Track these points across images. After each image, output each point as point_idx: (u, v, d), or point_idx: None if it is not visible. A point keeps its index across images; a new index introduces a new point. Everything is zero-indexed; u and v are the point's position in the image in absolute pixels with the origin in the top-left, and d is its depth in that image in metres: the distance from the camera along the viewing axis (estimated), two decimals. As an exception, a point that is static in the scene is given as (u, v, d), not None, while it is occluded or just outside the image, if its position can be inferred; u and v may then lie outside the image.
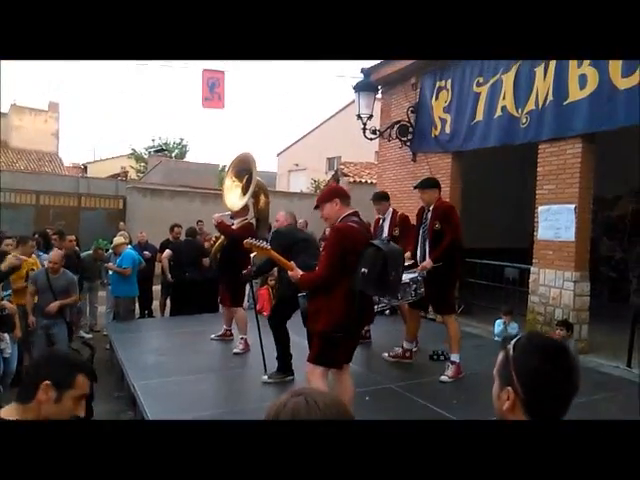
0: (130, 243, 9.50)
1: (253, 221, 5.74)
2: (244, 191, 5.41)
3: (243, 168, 5.47)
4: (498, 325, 6.81)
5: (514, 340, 1.38)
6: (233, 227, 5.79)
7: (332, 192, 3.67)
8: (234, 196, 5.55)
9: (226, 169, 5.70)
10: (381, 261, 3.26)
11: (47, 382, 1.67)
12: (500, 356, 1.38)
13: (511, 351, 1.34)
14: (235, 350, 5.82)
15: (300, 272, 3.51)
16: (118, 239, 7.90)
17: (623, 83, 5.78)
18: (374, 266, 3.25)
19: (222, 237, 6.09)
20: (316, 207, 3.68)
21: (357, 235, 3.39)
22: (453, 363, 5.03)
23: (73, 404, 1.72)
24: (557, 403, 1.31)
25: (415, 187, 5.49)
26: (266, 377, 4.78)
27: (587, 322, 6.59)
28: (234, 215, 5.84)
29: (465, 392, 4.64)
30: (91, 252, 8.42)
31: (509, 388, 1.31)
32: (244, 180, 5.42)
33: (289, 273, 3.57)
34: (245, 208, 5.69)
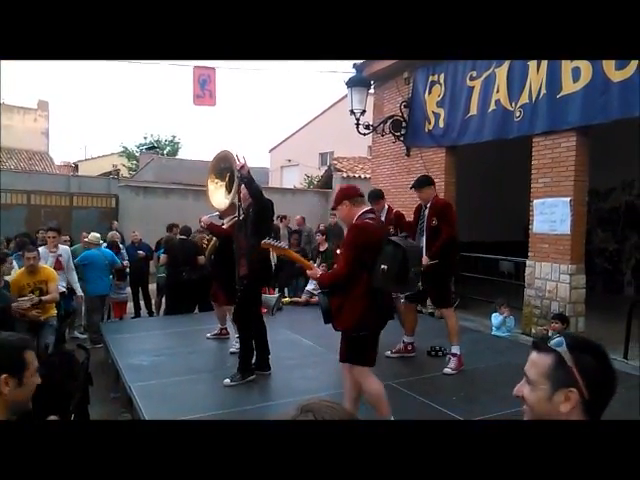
0: (123, 242, 9.45)
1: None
2: (228, 189, 5.38)
3: (223, 167, 5.43)
4: (495, 317, 6.81)
5: (558, 341, 1.34)
6: (223, 227, 5.78)
7: (340, 195, 3.68)
8: (220, 196, 5.51)
9: (207, 172, 5.62)
10: (401, 258, 3.26)
11: (5, 375, 1.69)
12: (545, 359, 1.33)
13: (567, 353, 1.30)
14: (231, 349, 5.78)
15: (319, 271, 3.62)
16: (92, 236, 7.91)
17: (616, 76, 5.78)
18: (394, 263, 3.24)
19: (214, 238, 6.05)
20: (333, 209, 3.78)
21: (373, 231, 3.41)
22: (455, 355, 5.07)
23: (33, 379, 1.77)
24: (609, 401, 1.32)
25: (411, 187, 5.55)
26: (228, 380, 4.70)
27: (583, 315, 6.61)
28: (222, 214, 5.82)
29: (465, 388, 4.63)
30: (81, 244, 8.33)
31: (572, 389, 1.28)
32: (227, 178, 5.38)
33: (308, 272, 3.65)
34: (232, 206, 5.68)
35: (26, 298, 5.39)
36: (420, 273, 3.53)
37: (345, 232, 3.89)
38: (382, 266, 3.24)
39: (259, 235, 4.84)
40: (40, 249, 6.68)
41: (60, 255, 6.81)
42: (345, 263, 3.39)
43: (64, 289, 6.70)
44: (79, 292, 6.95)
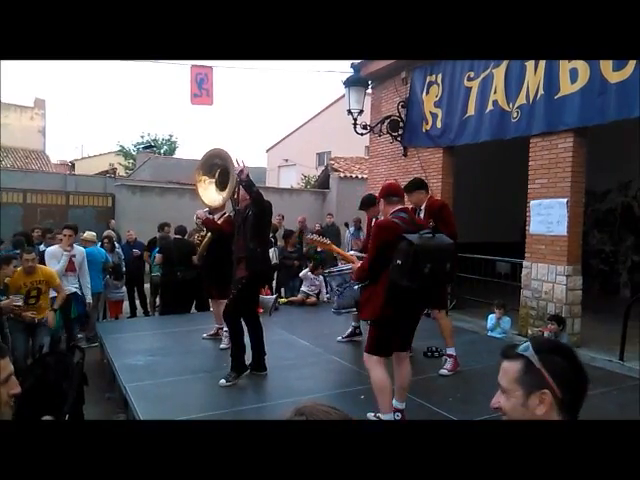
0: (119, 241, 9.43)
1: (232, 214, 5.72)
2: (219, 185, 5.39)
3: (215, 163, 5.45)
4: (490, 319, 6.82)
5: (525, 346, 1.35)
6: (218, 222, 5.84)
7: (380, 193, 3.94)
8: (211, 192, 5.53)
9: (196, 169, 5.63)
10: (413, 254, 3.37)
11: None
12: (514, 365, 1.35)
13: (534, 356, 1.31)
14: (222, 345, 5.79)
15: (358, 264, 3.89)
16: (88, 234, 7.91)
17: (614, 77, 5.79)
18: (406, 258, 3.38)
19: (209, 234, 6.06)
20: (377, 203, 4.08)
21: (396, 230, 3.54)
22: (450, 356, 5.07)
23: (6, 387, 1.67)
24: (584, 399, 1.34)
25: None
26: (224, 381, 4.68)
27: (579, 316, 6.62)
28: (213, 211, 5.87)
29: (461, 389, 4.62)
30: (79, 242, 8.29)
31: (544, 391, 1.29)
32: (216, 174, 5.41)
33: (351, 266, 3.93)
34: (222, 204, 5.70)
35: (18, 296, 5.35)
36: (442, 270, 3.53)
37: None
38: (397, 261, 3.41)
39: (259, 238, 4.85)
40: (54, 247, 6.41)
41: (74, 256, 6.53)
42: (368, 259, 3.70)
43: (75, 290, 6.49)
44: (88, 298, 6.71)
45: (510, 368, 1.35)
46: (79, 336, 7.73)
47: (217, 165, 5.38)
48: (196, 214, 5.91)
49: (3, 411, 1.63)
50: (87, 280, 6.73)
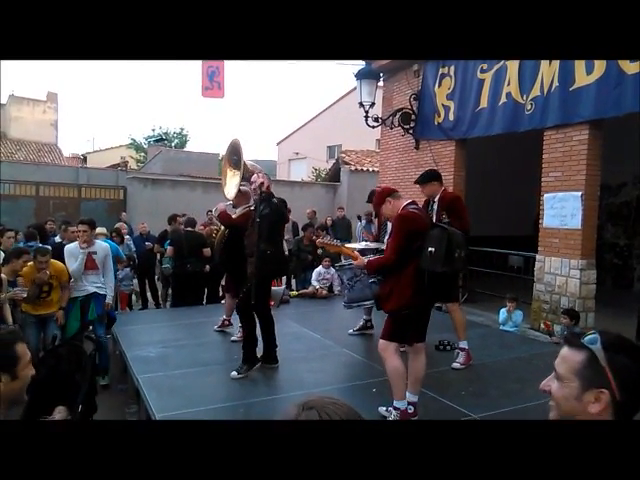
0: (131, 234, 9.48)
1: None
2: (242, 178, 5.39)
3: (233, 159, 5.45)
4: (502, 313, 6.78)
5: (592, 338, 1.25)
6: (234, 216, 5.78)
7: (382, 195, 3.95)
8: (232, 185, 5.51)
9: (223, 158, 5.63)
10: (446, 240, 3.46)
11: None
12: (576, 355, 1.25)
13: (601, 351, 1.22)
14: (233, 337, 5.83)
15: (365, 260, 3.86)
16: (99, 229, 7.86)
17: (631, 68, 5.70)
18: (440, 245, 3.45)
19: (222, 228, 6.06)
20: (376, 215, 4.09)
21: (419, 219, 3.66)
22: (463, 350, 5.04)
23: (27, 371, 1.80)
24: None
25: (415, 182, 5.44)
26: (235, 373, 4.69)
27: (593, 310, 6.55)
28: (235, 204, 5.82)
29: (473, 383, 4.59)
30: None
31: (603, 390, 1.21)
32: (241, 167, 5.40)
33: (355, 263, 3.95)
34: (246, 196, 5.66)
35: (26, 288, 5.32)
36: (465, 256, 3.67)
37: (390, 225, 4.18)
38: (429, 248, 3.45)
39: (272, 238, 4.85)
40: (72, 245, 5.96)
41: (94, 253, 5.89)
42: (393, 250, 3.63)
43: (95, 289, 5.83)
44: (109, 298, 6.04)
45: (571, 357, 1.26)
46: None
47: (237, 159, 5.38)
48: (217, 206, 5.90)
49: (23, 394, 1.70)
50: (111, 278, 6.14)
